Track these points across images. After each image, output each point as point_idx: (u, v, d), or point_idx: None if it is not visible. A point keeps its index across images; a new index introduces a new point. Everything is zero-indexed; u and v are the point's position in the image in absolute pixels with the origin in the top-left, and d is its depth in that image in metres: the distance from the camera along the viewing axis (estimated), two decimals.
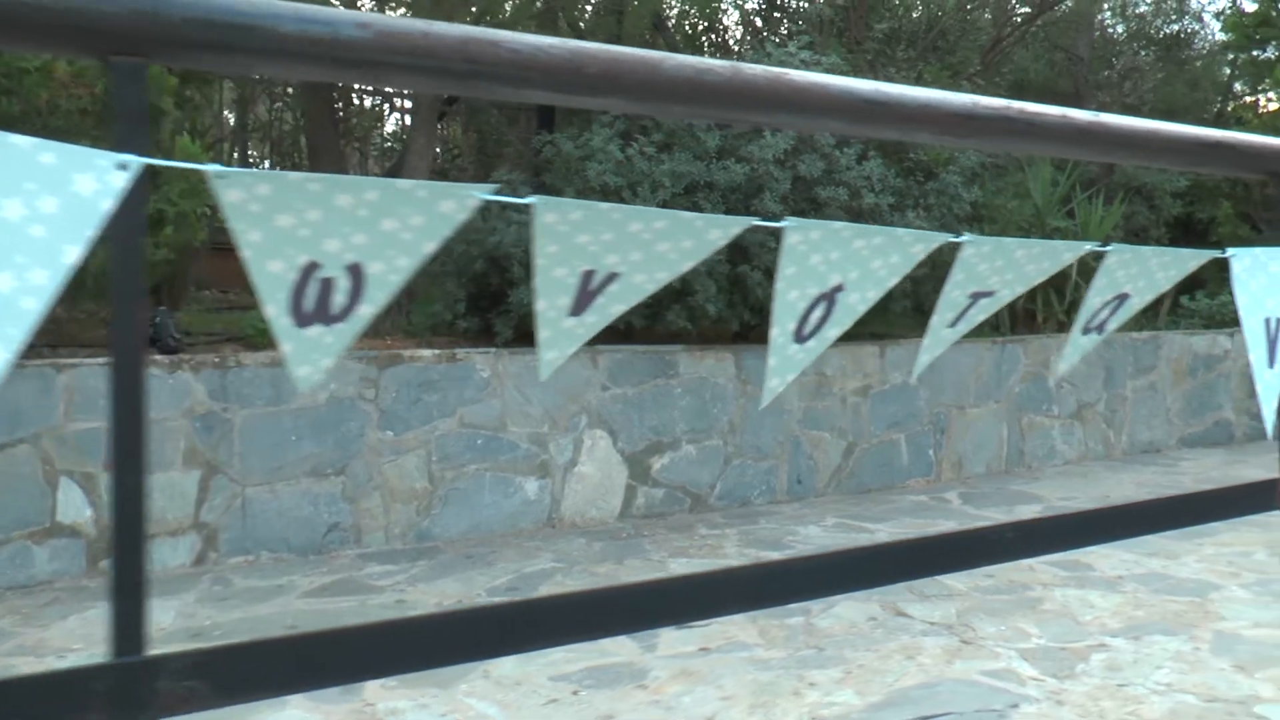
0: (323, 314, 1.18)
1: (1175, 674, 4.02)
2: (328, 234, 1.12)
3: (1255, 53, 12.27)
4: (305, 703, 3.89)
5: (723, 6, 10.81)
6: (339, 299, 1.18)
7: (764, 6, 11.21)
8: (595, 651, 4.25)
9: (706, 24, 10.82)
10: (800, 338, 1.60)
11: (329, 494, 6.15)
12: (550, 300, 1.39)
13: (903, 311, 7.88)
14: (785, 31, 10.60)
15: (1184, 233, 11.74)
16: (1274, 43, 11.65)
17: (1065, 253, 1.76)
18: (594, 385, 6.81)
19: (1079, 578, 5.44)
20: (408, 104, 9.32)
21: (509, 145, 8.58)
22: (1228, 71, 13.03)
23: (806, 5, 10.57)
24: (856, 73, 8.75)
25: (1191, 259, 1.85)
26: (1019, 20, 11.18)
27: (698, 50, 10.36)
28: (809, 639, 4.41)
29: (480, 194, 1.18)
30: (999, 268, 1.68)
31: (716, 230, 1.41)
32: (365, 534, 6.24)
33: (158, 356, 5.88)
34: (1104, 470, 8.85)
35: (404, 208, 1.16)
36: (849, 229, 1.51)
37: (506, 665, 4.14)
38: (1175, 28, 13.77)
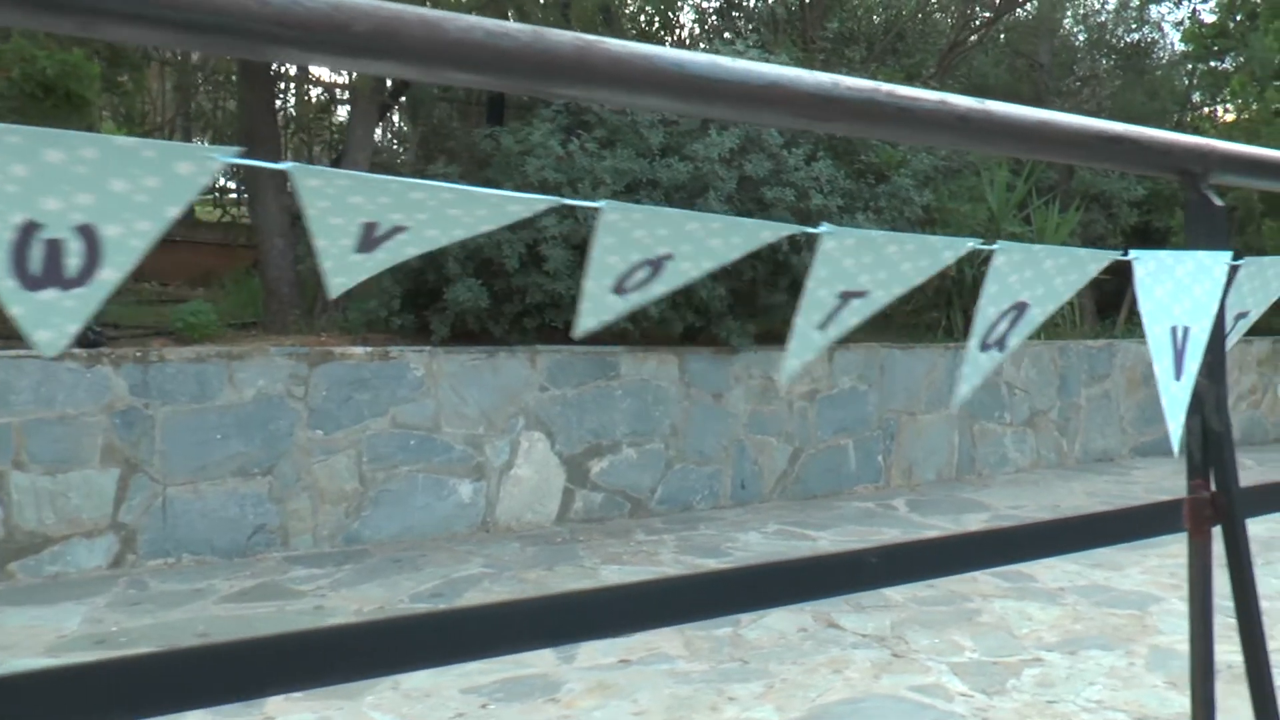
0: (55, 278, 1.10)
1: (1107, 690, 3.90)
2: (44, 192, 1.03)
3: (1214, 64, 12.26)
4: (206, 716, 3.72)
5: (680, 5, 10.67)
6: (73, 262, 1.09)
7: (723, 5, 11.08)
8: (512, 663, 4.09)
9: (659, 22, 10.68)
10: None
11: (255, 494, 5.96)
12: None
13: None
14: (740, 31, 10.47)
15: (1142, 241, 11.69)
16: (1231, 54, 11.64)
17: (945, 251, 1.61)
18: (532, 386, 6.65)
19: (1020, 589, 5.32)
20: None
21: (454, 139, 8.40)
22: (1186, 82, 13.01)
23: (761, 4, 10.46)
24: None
25: (1090, 261, 1.71)
26: (977, 24, 11.09)
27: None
28: (734, 651, 4.27)
29: (221, 157, 1.02)
30: (868, 264, 1.54)
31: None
32: (293, 536, 6.05)
33: (76, 350, 5.66)
34: (1055, 479, 8.76)
35: (134, 169, 1.05)
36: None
37: (419, 676, 3.97)
38: (1135, 37, 13.75)
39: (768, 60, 7.27)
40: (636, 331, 6.78)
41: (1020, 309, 1.73)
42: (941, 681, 3.97)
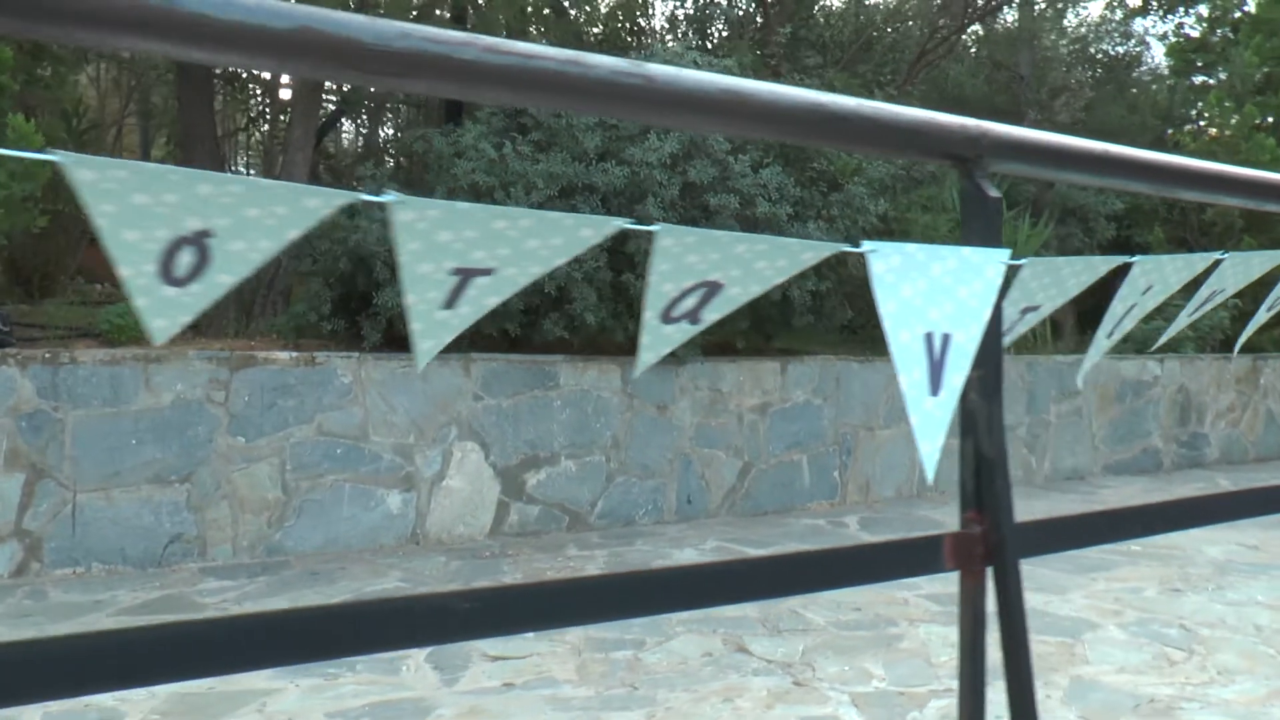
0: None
1: None
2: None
3: (1197, 79, 12.06)
4: None
5: (650, 9, 10.51)
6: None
7: (692, 10, 10.91)
8: (390, 685, 3.90)
9: (626, 24, 10.51)
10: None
11: (172, 502, 5.77)
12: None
13: (806, 326, 7.56)
14: (697, 32, 10.30)
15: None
16: (1213, 69, 11.44)
17: (805, 253, 1.46)
18: (465, 395, 6.46)
19: (950, 613, 5.11)
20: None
21: (397, 142, 8.23)
22: (1169, 97, 12.77)
23: (723, 6, 10.29)
24: (758, 77, 8.44)
25: (805, 251, 1.49)
26: (943, 35, 10.88)
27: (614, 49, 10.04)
28: (628, 676, 4.07)
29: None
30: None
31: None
32: (211, 546, 5.87)
33: None
34: (1020, 497, 8.43)
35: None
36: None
37: (289, 698, 3.79)
38: (1120, 50, 13.54)
39: (711, 64, 7.09)
40: (576, 340, 6.59)
41: (714, 288, 1.55)
42: (838, 713, 3.76)
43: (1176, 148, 10.59)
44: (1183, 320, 2.24)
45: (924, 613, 5.08)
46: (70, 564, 5.54)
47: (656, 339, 1.49)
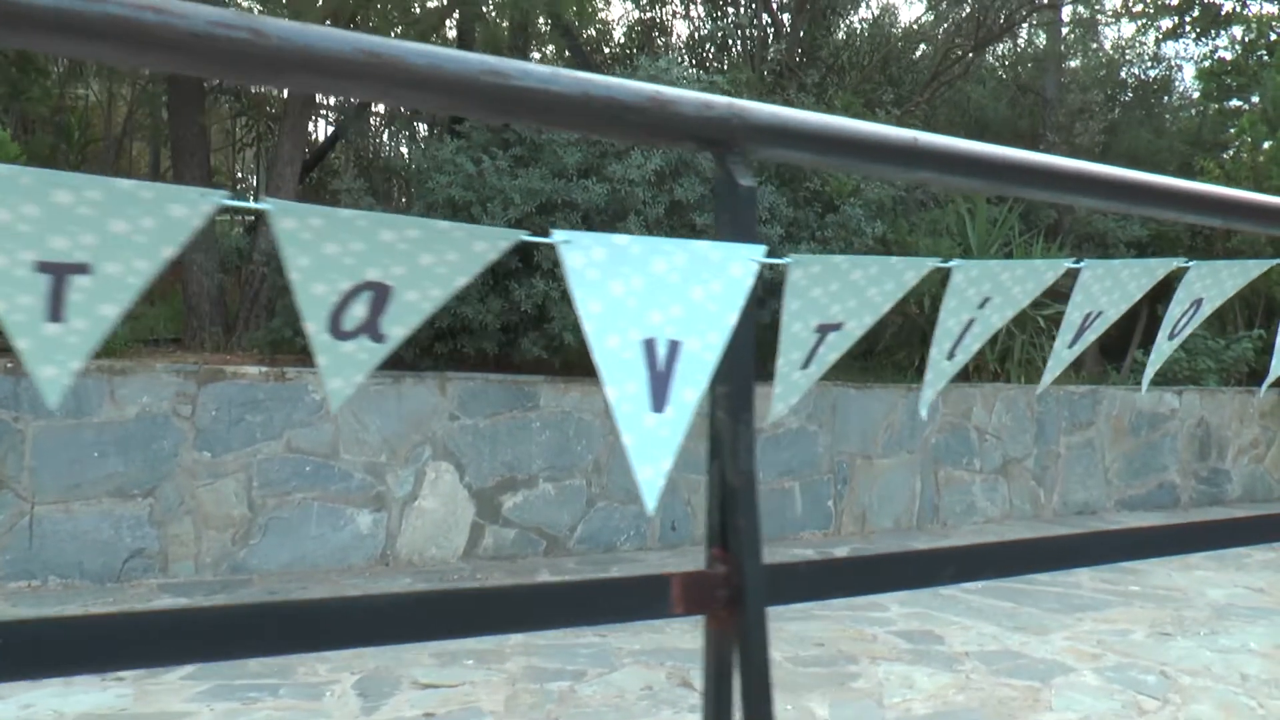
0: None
1: None
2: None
3: (1228, 102, 11.75)
4: None
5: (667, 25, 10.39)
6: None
7: (706, 31, 10.79)
8: (309, 711, 3.76)
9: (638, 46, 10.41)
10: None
11: (134, 517, 5.68)
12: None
13: None
14: (716, 56, 10.18)
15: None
16: (1245, 93, 11.13)
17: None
18: (440, 414, 6.33)
19: (918, 651, 4.90)
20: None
21: (382, 157, 8.16)
22: (1198, 121, 12.43)
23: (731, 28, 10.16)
24: (752, 95, 8.28)
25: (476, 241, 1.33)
26: (955, 56, 10.67)
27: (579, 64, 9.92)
28: (557, 709, 3.90)
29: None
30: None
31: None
32: (173, 562, 5.77)
33: None
34: (1026, 530, 8.28)
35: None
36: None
37: None
38: (1152, 73, 13.24)
39: (699, 79, 6.94)
40: (557, 361, 6.45)
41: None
42: None
43: (1201, 175, 10.29)
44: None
45: (890, 650, 4.87)
46: (26, 577, 5.45)
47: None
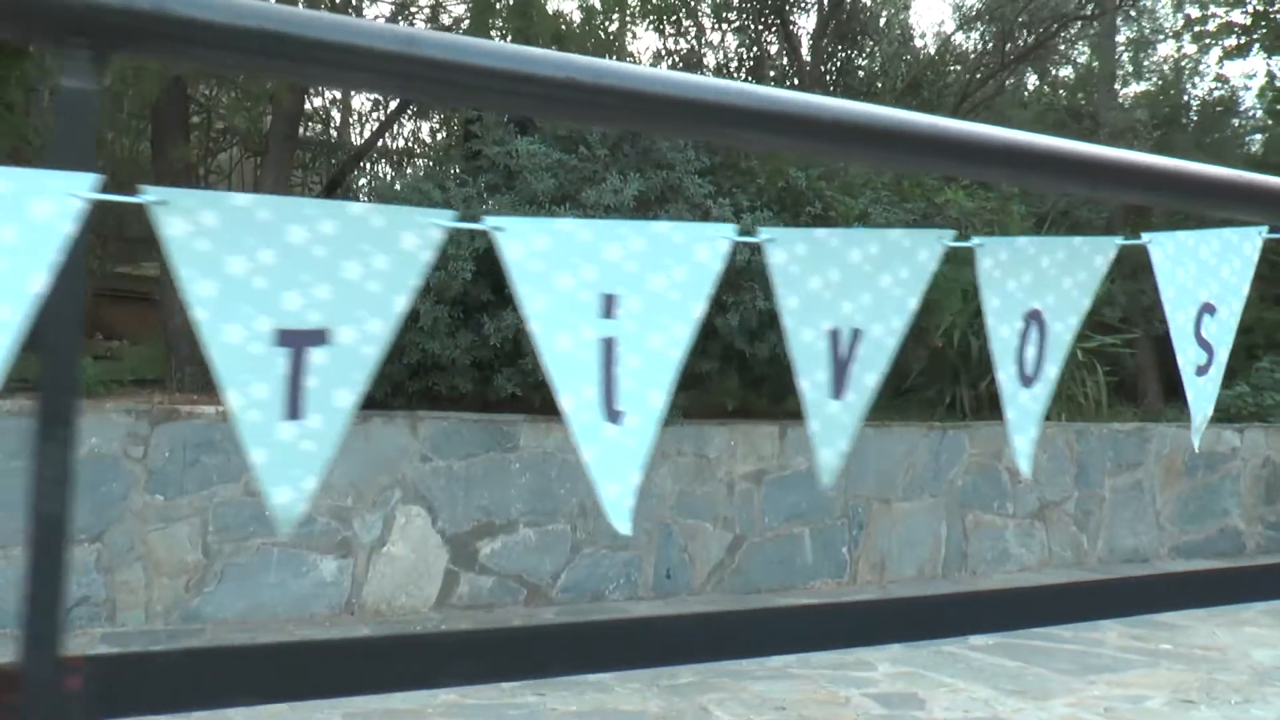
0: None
1: None
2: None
3: None
4: None
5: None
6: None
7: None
8: None
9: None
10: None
11: (80, 562, 5.41)
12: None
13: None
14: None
15: None
16: None
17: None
18: (411, 455, 5.99)
19: (898, 717, 4.42)
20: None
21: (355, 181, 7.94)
22: (1264, 144, 11.72)
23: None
24: None
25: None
26: (982, 77, 10.20)
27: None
28: None
29: None
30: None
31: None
32: (121, 610, 5.50)
33: None
34: (1065, 579, 7.69)
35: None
36: None
37: None
38: (1218, 94, 12.58)
39: None
40: (537, 399, 6.09)
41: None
42: None
43: None
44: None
45: (860, 716, 4.39)
46: None
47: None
